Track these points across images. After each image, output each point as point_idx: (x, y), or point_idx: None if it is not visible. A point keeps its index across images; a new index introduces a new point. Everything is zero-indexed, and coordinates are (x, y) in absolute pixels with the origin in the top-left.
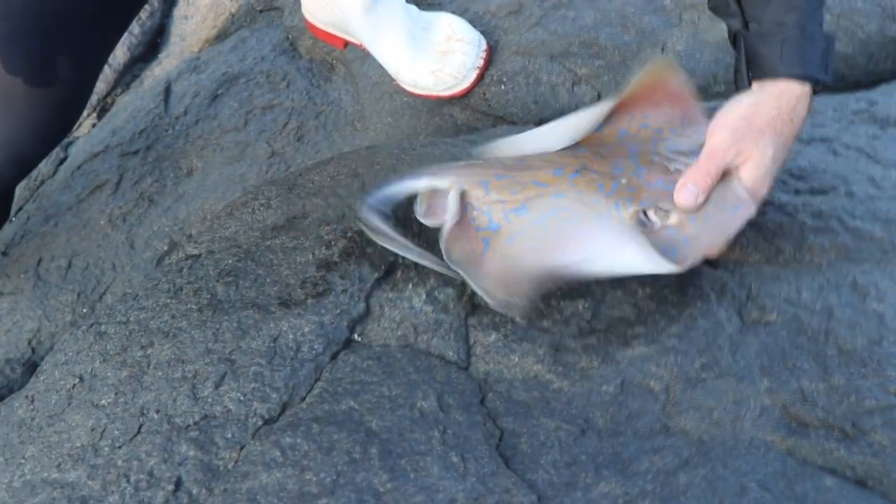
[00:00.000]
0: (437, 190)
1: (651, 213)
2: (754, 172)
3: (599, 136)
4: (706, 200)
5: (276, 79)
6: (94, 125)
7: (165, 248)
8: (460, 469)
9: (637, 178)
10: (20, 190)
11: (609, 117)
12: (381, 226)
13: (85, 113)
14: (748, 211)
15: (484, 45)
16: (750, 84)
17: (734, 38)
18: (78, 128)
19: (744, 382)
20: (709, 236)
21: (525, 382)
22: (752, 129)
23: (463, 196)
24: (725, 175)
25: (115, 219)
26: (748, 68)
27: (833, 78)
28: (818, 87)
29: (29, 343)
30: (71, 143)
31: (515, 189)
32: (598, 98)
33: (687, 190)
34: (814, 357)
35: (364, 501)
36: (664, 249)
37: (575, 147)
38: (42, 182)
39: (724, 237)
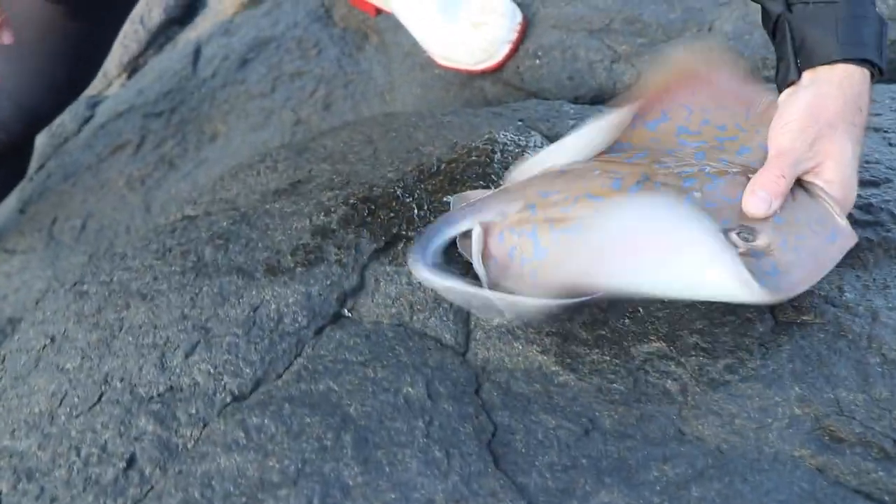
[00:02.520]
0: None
1: (734, 235)
2: (839, 173)
3: (655, 135)
4: (782, 208)
5: (307, 45)
6: (122, 85)
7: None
8: (443, 466)
9: (714, 193)
10: (44, 147)
11: (664, 110)
12: (445, 283)
13: (115, 72)
14: (849, 241)
15: (519, 18)
16: (799, 75)
17: (774, 25)
18: (108, 87)
19: (772, 388)
20: (803, 270)
21: (527, 373)
22: (822, 123)
23: (497, 226)
24: (804, 184)
25: (133, 181)
26: (796, 56)
27: (887, 66)
28: (874, 75)
29: (36, 303)
30: (98, 103)
31: (567, 205)
32: (639, 78)
33: (757, 197)
34: (854, 364)
35: (329, 495)
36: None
37: (629, 152)
38: (66, 140)
39: (819, 272)
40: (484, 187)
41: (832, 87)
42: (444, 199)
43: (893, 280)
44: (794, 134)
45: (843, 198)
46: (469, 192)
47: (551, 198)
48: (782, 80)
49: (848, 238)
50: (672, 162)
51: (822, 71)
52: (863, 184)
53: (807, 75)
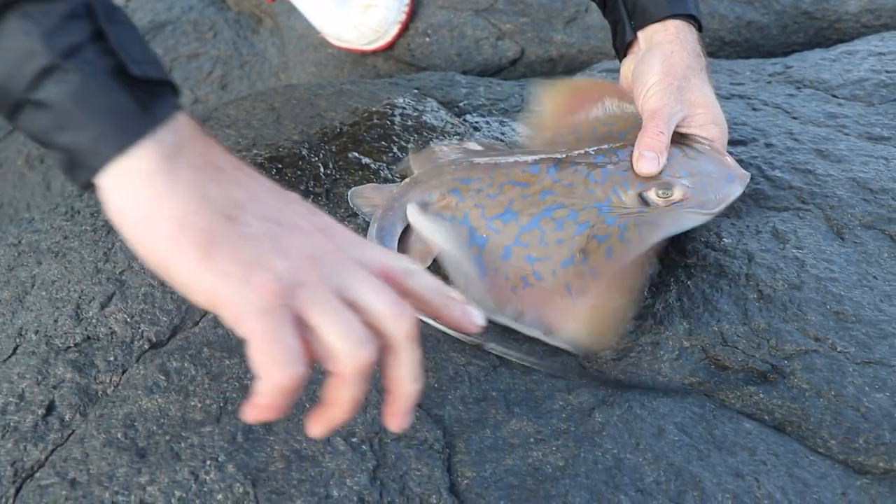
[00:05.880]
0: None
1: (651, 195)
2: (710, 115)
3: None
4: (682, 165)
5: (202, 28)
6: None
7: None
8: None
9: (624, 162)
10: None
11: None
12: None
13: None
14: (744, 178)
15: (407, 0)
16: (634, 34)
17: None
18: None
19: (663, 324)
20: (715, 201)
21: None
22: (678, 77)
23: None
24: (686, 137)
25: (32, 160)
26: (630, 17)
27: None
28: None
29: None
30: None
31: (492, 192)
32: (522, 53)
33: (645, 158)
34: (734, 300)
35: (252, 431)
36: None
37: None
38: None
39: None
40: (385, 147)
41: (674, 44)
42: (349, 155)
43: (764, 226)
44: (660, 93)
45: (721, 133)
46: (362, 188)
47: (473, 184)
48: (621, 42)
49: (742, 176)
50: (576, 144)
51: (656, 29)
52: (732, 143)
53: (641, 35)
